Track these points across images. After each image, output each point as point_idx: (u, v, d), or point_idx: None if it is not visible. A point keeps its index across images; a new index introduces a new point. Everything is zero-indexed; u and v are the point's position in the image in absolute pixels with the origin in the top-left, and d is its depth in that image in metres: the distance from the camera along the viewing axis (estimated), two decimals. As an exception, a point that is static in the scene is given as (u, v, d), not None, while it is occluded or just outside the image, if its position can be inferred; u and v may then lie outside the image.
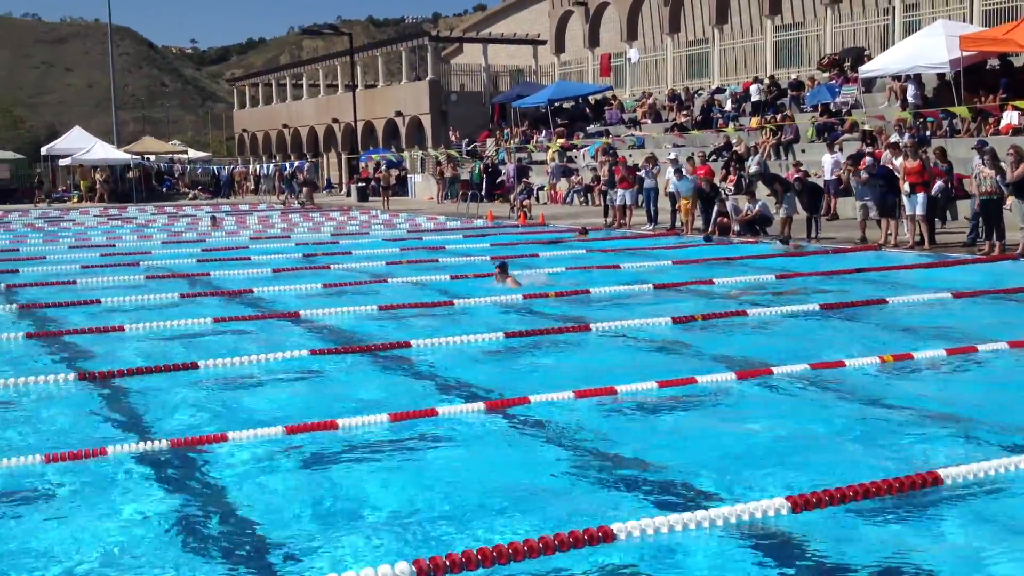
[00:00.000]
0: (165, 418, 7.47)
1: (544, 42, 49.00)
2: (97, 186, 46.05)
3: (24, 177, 50.05)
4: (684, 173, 21.78)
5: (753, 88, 32.63)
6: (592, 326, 10.55)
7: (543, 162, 36.24)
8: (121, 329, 10.82)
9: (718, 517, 5.01)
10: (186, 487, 5.95)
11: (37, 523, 5.37)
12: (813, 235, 19.17)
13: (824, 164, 23.00)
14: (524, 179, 32.64)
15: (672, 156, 24.24)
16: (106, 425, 7.33)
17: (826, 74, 31.25)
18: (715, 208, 21.02)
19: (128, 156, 49.07)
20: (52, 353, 9.92)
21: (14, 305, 12.88)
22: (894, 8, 32.55)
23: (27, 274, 16.57)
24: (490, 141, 41.77)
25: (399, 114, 49.09)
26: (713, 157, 27.70)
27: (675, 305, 12.06)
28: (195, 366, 8.90)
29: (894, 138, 21.67)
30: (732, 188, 24.45)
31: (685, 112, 35.05)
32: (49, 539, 5.14)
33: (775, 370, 8.38)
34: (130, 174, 46.71)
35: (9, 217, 34.53)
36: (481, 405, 7.50)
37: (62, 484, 5.92)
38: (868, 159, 18.97)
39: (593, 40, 45.26)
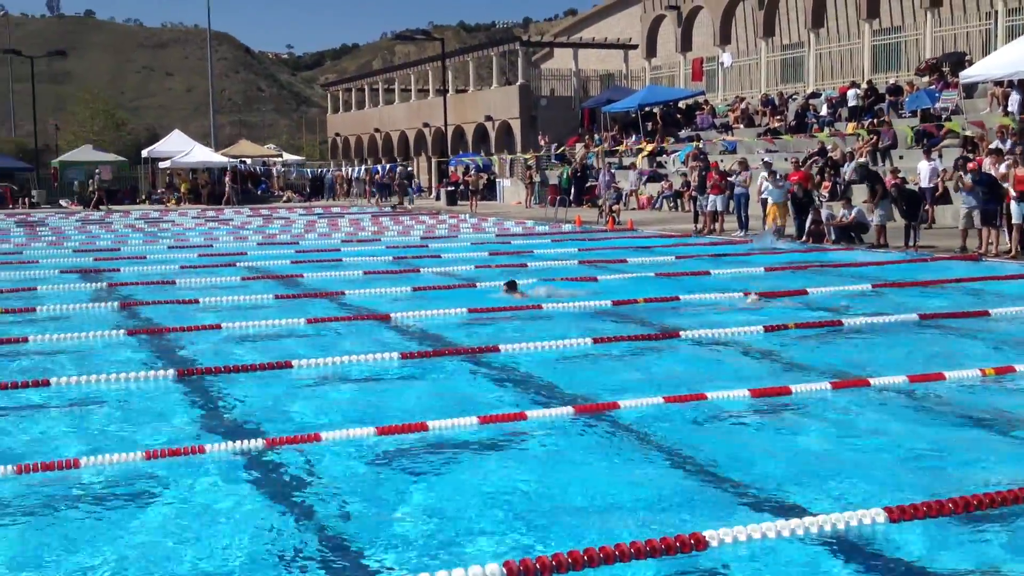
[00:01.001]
0: (260, 417, 7.61)
1: (635, 46, 48.78)
2: (201, 188, 47.24)
3: (126, 179, 51.61)
4: (777, 178, 21.45)
5: (850, 93, 31.99)
6: (682, 333, 10.45)
7: (633, 167, 36.05)
8: (218, 328, 11.06)
9: (812, 525, 4.92)
10: (280, 486, 6.05)
11: (136, 519, 5.50)
12: (911, 243, 18.69)
13: (921, 171, 22.43)
14: (613, 184, 32.49)
15: (766, 161, 23.89)
16: (203, 422, 7.50)
17: (925, 79, 30.48)
18: (809, 215, 20.65)
19: (225, 159, 50.21)
20: (152, 350, 10.19)
21: (116, 303, 13.27)
22: (996, 12, 31.60)
23: (128, 273, 17.05)
24: (579, 146, 41.69)
25: (489, 118, 49.35)
26: (807, 163, 27.20)
27: (767, 312, 11.87)
28: (289, 365, 9.05)
29: (995, 145, 21.03)
30: (827, 194, 23.99)
31: (779, 117, 34.53)
32: (147, 535, 5.27)
33: (872, 381, 8.19)
34: (227, 179, 47.77)
35: (111, 217, 35.62)
36: (570, 409, 7.48)
37: (162, 480, 6.07)
38: (973, 165, 18.46)
39: (685, 44, 44.89)
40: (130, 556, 4.95)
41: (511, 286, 13.63)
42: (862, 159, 25.02)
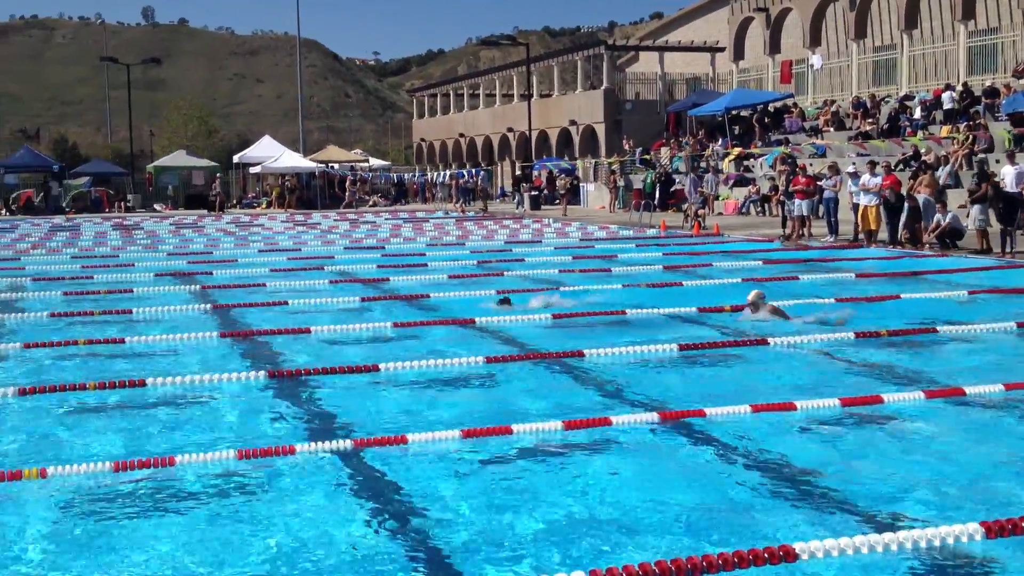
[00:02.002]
0: (348, 418, 7.71)
1: (722, 49, 48.27)
2: (287, 193, 48.17)
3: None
4: (868, 183, 21.01)
5: (945, 96, 31.19)
6: (770, 340, 10.29)
7: (719, 171, 35.67)
8: (307, 331, 11.24)
9: (907, 540, 4.79)
10: (368, 487, 6.12)
11: (229, 517, 5.62)
12: (1008, 249, 18.14)
13: (1006, 176, 21.65)
14: (699, 188, 32.20)
15: (856, 165, 23.42)
16: (293, 423, 7.63)
17: (1023, 81, 29.55)
18: (900, 219, 20.19)
19: (313, 164, 51.04)
20: (243, 352, 10.39)
21: (208, 305, 13.57)
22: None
23: (220, 276, 17.43)
24: (664, 150, 41.41)
25: (573, 123, 49.31)
26: (900, 167, 26.61)
27: (858, 319, 11.62)
28: (376, 368, 9.15)
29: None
30: (922, 199, 23.39)
31: (870, 120, 33.83)
32: (237, 533, 5.37)
33: (967, 390, 7.97)
34: (316, 182, 48.60)
35: (204, 222, 36.46)
36: (655, 415, 7.42)
37: (253, 480, 6.19)
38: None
39: (774, 46, 44.26)
40: (220, 553, 5.05)
41: (506, 303, 12.95)
42: (957, 163, 24.35)
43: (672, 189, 35.92)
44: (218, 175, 47.17)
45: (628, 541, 5.17)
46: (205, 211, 43.94)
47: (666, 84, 49.01)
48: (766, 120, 40.37)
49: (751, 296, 11.71)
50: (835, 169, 23.30)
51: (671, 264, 18.44)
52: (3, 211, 43.17)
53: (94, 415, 7.82)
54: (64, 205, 44.99)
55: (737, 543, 4.90)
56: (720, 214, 32.27)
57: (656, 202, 34.08)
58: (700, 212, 28.28)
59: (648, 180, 36.01)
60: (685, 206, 30.54)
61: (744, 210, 32.64)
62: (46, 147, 79.44)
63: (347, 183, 48.95)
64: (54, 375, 9.23)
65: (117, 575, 4.81)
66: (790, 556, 4.62)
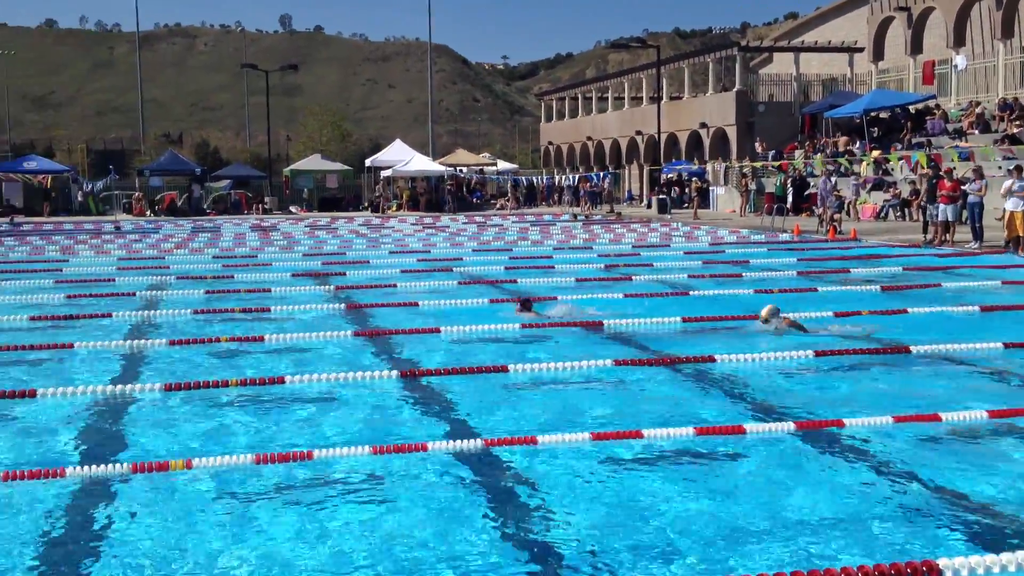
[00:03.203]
0: (477, 418, 7.76)
1: (861, 49, 46.92)
2: (419, 196, 48.99)
3: (350, 187, 54.07)
4: (1015, 187, 20.09)
5: (1099, 94, 29.62)
6: (912, 348, 9.92)
7: (856, 174, 34.67)
8: (437, 331, 11.37)
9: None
10: (497, 486, 6.14)
11: (364, 511, 5.71)
12: None
13: None
14: (835, 192, 31.35)
15: (1004, 169, 22.43)
16: (424, 421, 7.72)
17: None
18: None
19: (443, 168, 51.71)
20: (375, 351, 10.58)
21: (342, 305, 13.87)
22: None
23: (353, 277, 17.81)
24: (799, 152, 40.47)
25: (703, 125, 48.68)
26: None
27: (1007, 329, 11.11)
28: (504, 369, 9.19)
29: None
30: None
31: (1018, 123, 32.35)
32: (370, 527, 5.46)
33: None
34: (447, 186, 49.22)
35: (336, 223, 37.34)
36: (791, 424, 7.24)
37: (387, 475, 6.28)
38: None
39: (915, 47, 42.79)
40: (354, 546, 5.14)
41: (525, 305, 12.70)
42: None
43: (806, 192, 35.08)
44: (383, 178, 48.28)
45: (760, 551, 5.05)
46: (369, 213, 44.91)
47: (801, 85, 47.91)
48: (907, 122, 39.07)
49: (764, 312, 11.20)
50: (979, 173, 22.37)
51: (805, 270, 18.00)
52: (148, 212, 45.08)
53: (236, 409, 8.07)
54: (205, 207, 46.72)
55: (879, 557, 4.73)
56: (857, 219, 31.37)
57: (789, 206, 33.33)
58: (836, 216, 27.54)
59: (779, 183, 35.25)
60: (820, 210, 29.79)
61: (883, 215, 31.64)
62: (189, 151, 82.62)
63: (474, 186, 49.46)
64: (198, 371, 9.56)
65: (257, 564, 4.94)
66: (934, 572, 4.42)
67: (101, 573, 4.88)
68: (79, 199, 47.29)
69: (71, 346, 10.58)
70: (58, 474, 6.17)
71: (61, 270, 19.45)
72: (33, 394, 8.27)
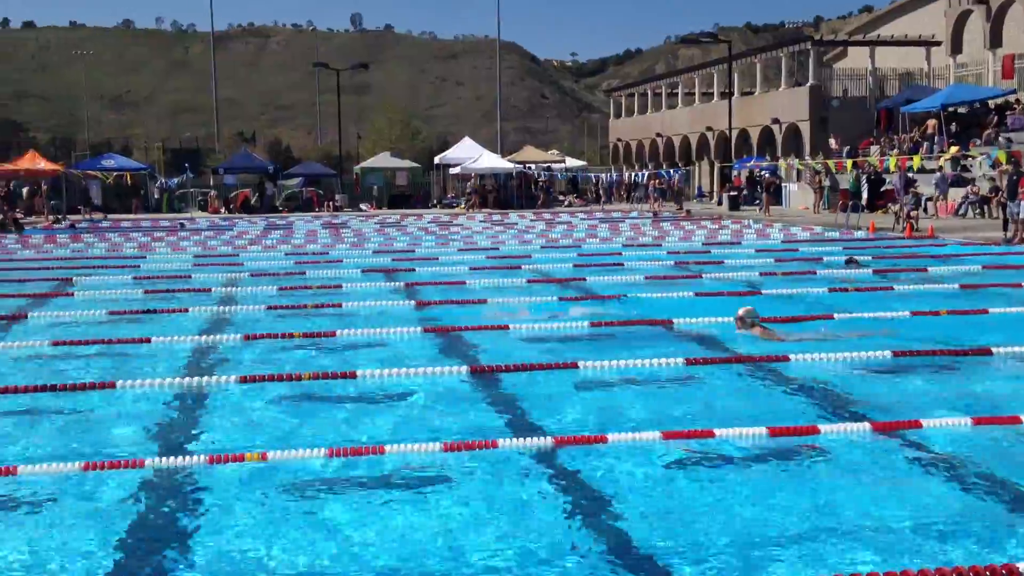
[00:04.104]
0: (547, 415, 7.75)
1: (938, 43, 45.92)
2: (487, 193, 49.13)
3: (419, 184, 54.42)
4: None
5: None
6: (993, 349, 9.68)
7: (933, 170, 33.93)
8: (506, 328, 11.38)
9: None
10: (568, 485, 6.13)
11: (434, 507, 5.74)
12: None
13: None
14: (911, 188, 30.72)
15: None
16: (494, 418, 7.74)
17: None
18: None
19: (511, 165, 51.78)
20: (445, 348, 10.63)
21: (412, 302, 13.97)
22: None
23: (422, 273, 17.91)
24: (874, 148, 39.74)
25: (776, 121, 48.07)
26: None
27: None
28: (575, 366, 9.16)
29: None
30: None
31: (1103, 116, 31.39)
32: (437, 523, 5.48)
33: None
34: (513, 182, 49.34)
35: (406, 221, 37.61)
36: (867, 425, 7.11)
37: (458, 472, 6.31)
38: None
39: (995, 40, 41.73)
40: (423, 542, 5.17)
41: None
42: None
43: (882, 189, 34.43)
44: (475, 176, 48.74)
45: (834, 553, 4.98)
46: (459, 211, 45.21)
47: (877, 80, 47.05)
48: (986, 117, 38.13)
49: (741, 311, 10.82)
50: (1064, 168, 21.74)
51: (881, 268, 17.67)
52: (222, 210, 45.89)
53: (309, 403, 8.17)
54: (278, 204, 47.41)
55: (956, 560, 4.63)
56: (933, 215, 30.71)
57: (864, 203, 32.74)
58: (913, 213, 26.99)
59: (853, 180, 34.64)
60: (896, 207, 29.21)
61: (961, 212, 30.93)
62: (261, 149, 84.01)
63: (541, 183, 49.46)
64: (272, 365, 9.70)
65: (328, 557, 5.00)
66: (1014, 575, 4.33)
67: (178, 562, 4.97)
68: (156, 197, 48.32)
69: (149, 340, 10.81)
70: (137, 464, 6.31)
71: (139, 266, 19.88)
72: (113, 386, 8.46)
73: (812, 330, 11.28)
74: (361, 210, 47.98)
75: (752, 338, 10.51)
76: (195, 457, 6.46)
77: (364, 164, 56.09)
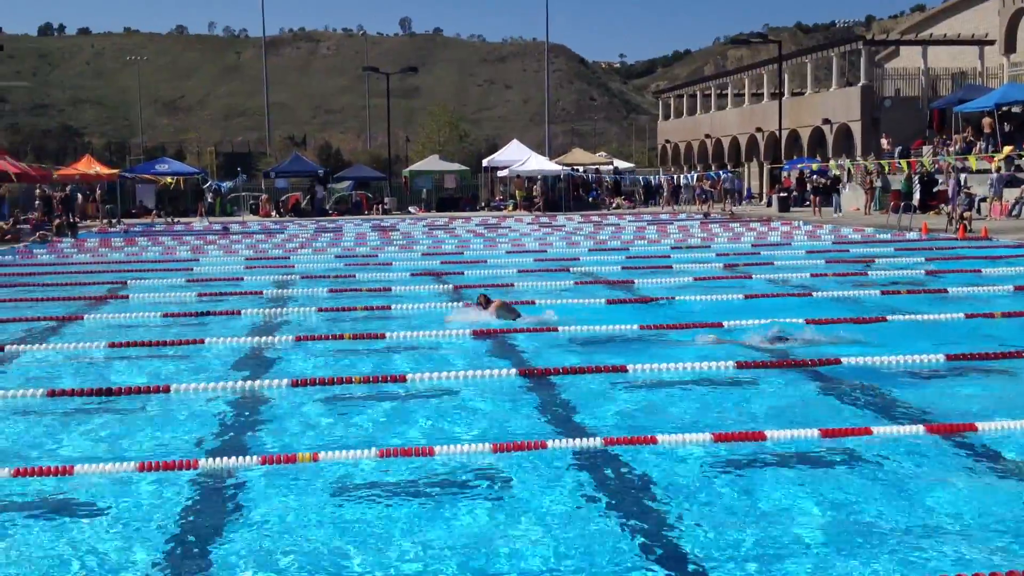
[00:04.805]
0: (596, 416, 7.76)
1: (992, 42, 45.13)
2: (534, 195, 49.13)
3: (467, 187, 54.56)
4: None
5: None
6: (1049, 352, 9.53)
7: (987, 171, 33.36)
8: (555, 330, 11.39)
9: None
10: (617, 485, 6.13)
11: (484, 507, 5.78)
12: None
13: None
14: (965, 189, 30.23)
15: None
16: (542, 419, 7.76)
17: None
18: None
19: (559, 167, 51.74)
20: (493, 350, 10.67)
21: (460, 304, 14.02)
22: None
23: (471, 276, 17.98)
24: (926, 148, 39.18)
25: (827, 121, 47.56)
26: None
27: None
28: (624, 369, 9.16)
29: None
30: None
31: None
32: (493, 524, 5.51)
33: None
34: (561, 184, 49.31)
35: (454, 223, 37.75)
36: (920, 428, 7.03)
37: (505, 472, 6.34)
38: None
39: (1050, 37, 40.94)
40: (473, 542, 5.20)
41: (486, 300, 12.27)
42: None
43: (935, 190, 33.94)
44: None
45: (884, 556, 4.93)
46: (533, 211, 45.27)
47: (929, 79, 46.37)
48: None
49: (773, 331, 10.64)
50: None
51: (934, 269, 17.44)
52: (273, 213, 46.36)
53: (359, 405, 8.26)
54: (328, 207, 47.81)
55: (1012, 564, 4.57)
56: (987, 216, 30.21)
57: (917, 203, 32.29)
58: (966, 215, 26.57)
59: (906, 180, 34.15)
60: (949, 208, 28.78)
61: (1015, 212, 30.39)
62: (312, 153, 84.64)
63: (607, 184, 49.42)
64: (323, 367, 9.80)
65: (378, 557, 5.05)
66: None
67: (231, 560, 5.05)
68: (209, 201, 48.97)
69: (202, 342, 10.98)
70: (191, 465, 6.42)
71: (191, 269, 20.18)
72: (167, 389, 8.61)
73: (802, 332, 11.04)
74: (410, 213, 48.22)
75: (800, 342, 10.44)
76: (248, 458, 6.56)
77: (413, 167, 56.35)
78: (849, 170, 41.34)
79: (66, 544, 5.30)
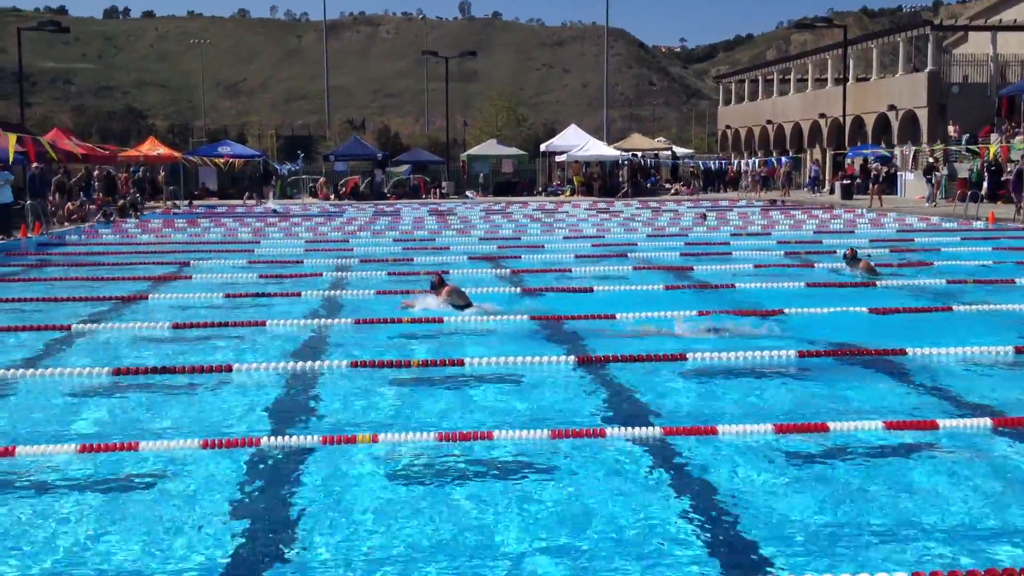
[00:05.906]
0: (655, 405, 7.71)
1: (1064, 27, 43.97)
2: (593, 181, 48.92)
3: (525, 172, 54.49)
4: None
5: None
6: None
7: (1058, 159, 32.54)
8: (612, 317, 11.33)
9: None
10: (676, 475, 6.09)
11: (542, 494, 5.76)
12: None
13: None
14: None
15: None
16: (602, 407, 7.73)
17: None
18: None
19: (618, 153, 51.46)
20: (549, 336, 10.64)
21: (518, 289, 14.01)
22: None
23: (528, 261, 17.95)
24: (994, 136, 38.29)
25: (892, 108, 46.72)
26: None
27: None
28: (683, 358, 9.08)
29: None
30: None
31: None
32: (543, 508, 5.50)
33: None
34: (620, 170, 49.06)
35: (511, 208, 37.72)
36: (987, 421, 6.88)
37: (566, 459, 6.32)
38: None
39: None
40: (530, 528, 5.20)
41: (440, 283, 11.96)
42: None
43: (1003, 178, 33.16)
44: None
45: (948, 548, 4.85)
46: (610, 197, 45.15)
47: (998, 66, 45.28)
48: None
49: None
50: None
51: (1001, 259, 17.06)
52: (332, 196, 46.73)
53: (417, 387, 8.29)
54: (386, 191, 48.06)
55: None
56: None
57: (984, 192, 31.59)
58: (1034, 204, 25.93)
59: (975, 169, 33.44)
60: (1016, 197, 28.08)
61: (1087, 202, 29.56)
62: (371, 137, 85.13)
63: (687, 170, 49.07)
64: (380, 350, 9.85)
65: (436, 539, 5.07)
66: None
67: (291, 539, 5.10)
68: (273, 183, 49.51)
69: (263, 323, 11.10)
70: (253, 443, 6.49)
71: (252, 251, 20.42)
72: (229, 368, 8.72)
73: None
74: (467, 197, 48.30)
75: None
76: (308, 437, 6.62)
77: (470, 151, 56.41)
78: (915, 157, 40.59)
79: (131, 519, 5.39)
